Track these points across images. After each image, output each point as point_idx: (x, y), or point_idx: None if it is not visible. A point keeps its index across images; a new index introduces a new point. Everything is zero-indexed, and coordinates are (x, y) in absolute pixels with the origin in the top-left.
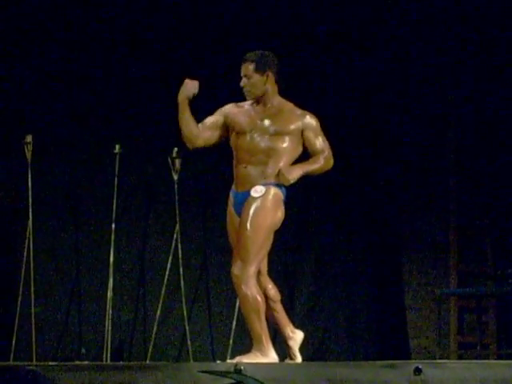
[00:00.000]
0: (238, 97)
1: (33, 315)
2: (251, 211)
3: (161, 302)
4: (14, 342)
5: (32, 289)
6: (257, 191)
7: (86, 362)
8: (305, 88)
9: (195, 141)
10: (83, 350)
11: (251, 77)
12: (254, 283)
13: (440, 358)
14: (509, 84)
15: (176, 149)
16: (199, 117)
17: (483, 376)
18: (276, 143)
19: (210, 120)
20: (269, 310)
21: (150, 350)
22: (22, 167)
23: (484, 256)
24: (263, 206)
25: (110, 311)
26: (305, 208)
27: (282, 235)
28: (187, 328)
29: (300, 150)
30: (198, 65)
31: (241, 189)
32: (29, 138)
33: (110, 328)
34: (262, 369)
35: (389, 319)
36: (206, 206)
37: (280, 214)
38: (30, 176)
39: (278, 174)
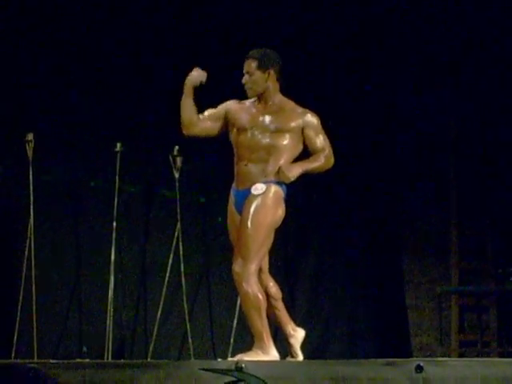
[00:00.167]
0: (240, 94)
1: (34, 314)
2: (252, 209)
3: (162, 300)
4: (15, 339)
5: (33, 287)
6: (257, 189)
7: (87, 360)
8: (305, 87)
9: (192, 128)
10: (84, 349)
11: (253, 74)
12: (255, 281)
13: (441, 356)
14: (509, 82)
15: (177, 147)
16: (199, 113)
17: (484, 374)
18: (276, 140)
19: (210, 111)
20: (270, 307)
21: (151, 348)
22: (23, 165)
23: (485, 254)
24: (264, 203)
25: (111, 309)
26: (305, 206)
27: (282, 233)
28: (188, 326)
29: (300, 148)
30: (200, 63)
31: (241, 187)
32: (30, 136)
33: (111, 326)
34: (263, 367)
35: (390, 317)
36: (207, 204)
37: (281, 212)
38: (31, 174)
39: (278, 171)
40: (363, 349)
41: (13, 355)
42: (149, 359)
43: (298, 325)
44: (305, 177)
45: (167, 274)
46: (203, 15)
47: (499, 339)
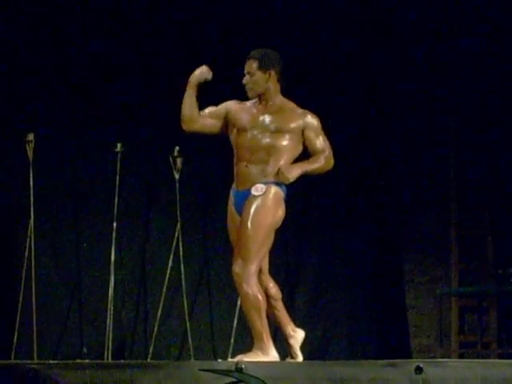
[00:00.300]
0: (241, 95)
1: (34, 314)
2: (252, 210)
3: (162, 300)
4: (15, 340)
5: (33, 287)
6: (257, 190)
7: (87, 361)
8: (305, 87)
9: (192, 123)
10: (85, 350)
11: (254, 74)
12: (255, 282)
13: (441, 357)
14: (510, 81)
15: (177, 147)
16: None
17: (484, 375)
18: (276, 141)
19: (211, 109)
20: (270, 308)
21: (151, 348)
22: (24, 166)
23: (485, 255)
24: (264, 204)
25: (112, 310)
26: (305, 207)
27: (282, 234)
28: (188, 326)
29: (300, 148)
30: (201, 63)
31: (241, 187)
32: (30, 137)
33: (111, 326)
34: (263, 367)
35: (390, 318)
36: (207, 205)
37: (281, 213)
38: (31, 174)
39: (278, 172)
40: (363, 350)
41: (13, 355)
42: (149, 360)
43: (298, 325)
44: (305, 177)
45: (167, 275)
46: (204, 15)
47: (499, 340)
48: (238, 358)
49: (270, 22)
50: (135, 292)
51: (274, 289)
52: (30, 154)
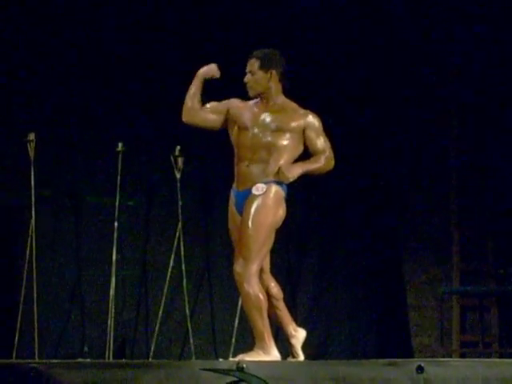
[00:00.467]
0: (243, 95)
1: (35, 314)
2: (252, 209)
3: (163, 300)
4: (16, 339)
5: (34, 287)
6: (258, 189)
7: (89, 360)
8: (305, 87)
9: (193, 115)
10: (86, 349)
11: (255, 73)
12: (256, 281)
13: (442, 357)
14: (510, 80)
15: (179, 147)
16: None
17: (485, 374)
18: (277, 140)
19: (213, 104)
20: (271, 308)
21: (153, 347)
22: (25, 165)
23: (486, 254)
24: (264, 203)
25: (113, 309)
26: (306, 206)
27: (283, 233)
28: (189, 326)
29: (301, 148)
30: (201, 63)
31: (242, 187)
32: (31, 136)
33: (112, 326)
34: (264, 367)
35: (391, 318)
36: (208, 205)
37: (281, 212)
38: (32, 174)
39: (278, 171)
40: (364, 349)
41: (14, 355)
42: (150, 359)
43: (299, 325)
44: (305, 177)
45: (168, 274)
46: (205, 15)
47: (500, 340)
48: (240, 357)
49: (270, 22)
50: (136, 291)
51: (275, 288)
52: (31, 153)
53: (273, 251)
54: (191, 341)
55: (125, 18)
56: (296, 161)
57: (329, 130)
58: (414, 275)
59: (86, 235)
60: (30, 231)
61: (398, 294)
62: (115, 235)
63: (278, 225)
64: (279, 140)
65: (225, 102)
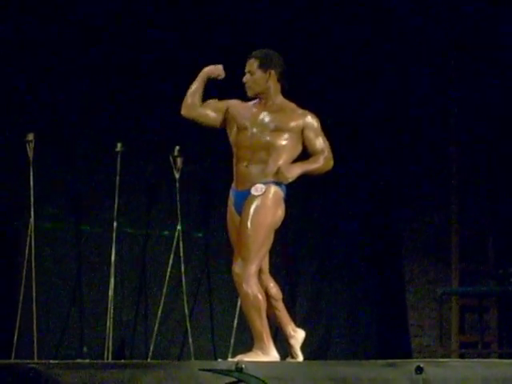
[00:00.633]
0: (242, 95)
1: (34, 314)
2: (252, 210)
3: (162, 300)
4: (15, 339)
5: (34, 287)
6: (257, 189)
7: (88, 360)
8: (305, 87)
9: (192, 110)
10: (85, 349)
11: (254, 73)
12: (255, 282)
13: (441, 357)
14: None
15: (178, 147)
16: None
17: (484, 375)
18: (276, 140)
19: (213, 101)
20: (270, 308)
21: (152, 348)
22: (24, 165)
23: (485, 255)
24: (263, 204)
25: (112, 309)
26: (305, 207)
27: (282, 233)
28: (188, 326)
29: (300, 149)
30: (201, 63)
31: (241, 187)
32: (30, 137)
33: (111, 326)
34: (263, 367)
35: (390, 318)
36: (207, 205)
37: (280, 213)
38: (31, 174)
39: (277, 171)
40: (363, 349)
41: (13, 355)
42: (149, 359)
43: (299, 325)
44: (305, 178)
45: (167, 275)
46: (204, 15)
47: (500, 340)
48: (239, 357)
49: (270, 22)
50: (135, 292)
51: (274, 289)
52: (31, 153)
53: (272, 251)
54: (190, 341)
55: (125, 18)
56: (295, 161)
57: (327, 130)
58: (413, 275)
59: (85, 235)
60: (29, 231)
61: (398, 294)
62: (114, 235)
63: (277, 225)
64: (278, 140)
65: (224, 101)
